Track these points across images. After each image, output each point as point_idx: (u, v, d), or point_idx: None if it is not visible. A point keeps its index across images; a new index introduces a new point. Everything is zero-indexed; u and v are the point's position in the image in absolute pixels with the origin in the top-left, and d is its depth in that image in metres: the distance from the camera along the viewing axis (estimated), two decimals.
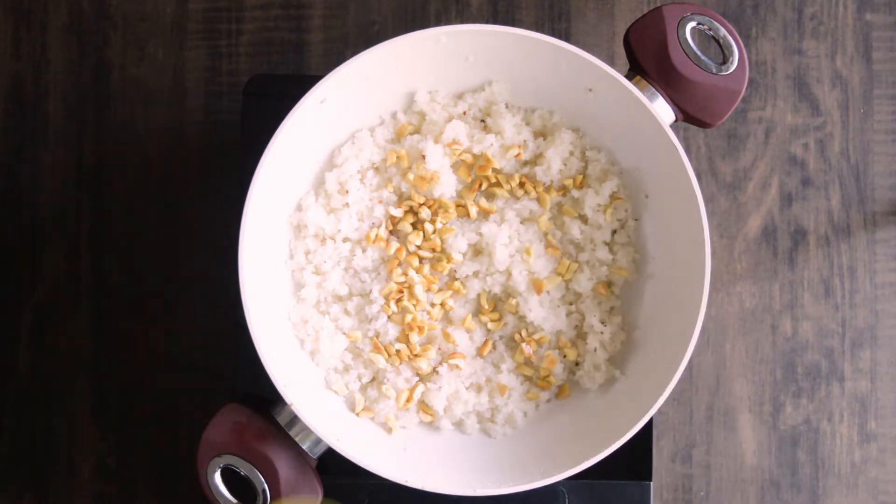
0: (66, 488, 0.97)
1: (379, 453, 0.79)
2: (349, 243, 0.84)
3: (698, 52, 0.80)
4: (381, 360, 0.82)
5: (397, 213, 0.83)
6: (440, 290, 0.84)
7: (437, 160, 0.83)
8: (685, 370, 0.76)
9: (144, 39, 0.99)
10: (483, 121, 0.86)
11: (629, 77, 0.80)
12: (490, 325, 0.84)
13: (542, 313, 0.83)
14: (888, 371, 0.98)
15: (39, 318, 0.97)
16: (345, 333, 0.83)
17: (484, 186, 0.85)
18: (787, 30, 1.00)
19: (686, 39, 0.80)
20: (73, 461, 0.97)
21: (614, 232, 0.85)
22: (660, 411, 0.94)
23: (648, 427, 0.84)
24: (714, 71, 0.80)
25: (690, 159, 0.88)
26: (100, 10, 0.99)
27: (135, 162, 0.98)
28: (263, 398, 0.79)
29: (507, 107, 0.85)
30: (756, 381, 0.98)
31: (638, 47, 0.81)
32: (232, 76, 0.99)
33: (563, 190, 0.85)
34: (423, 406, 0.83)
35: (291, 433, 0.78)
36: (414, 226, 0.84)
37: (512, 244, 0.83)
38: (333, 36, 0.99)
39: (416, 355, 0.82)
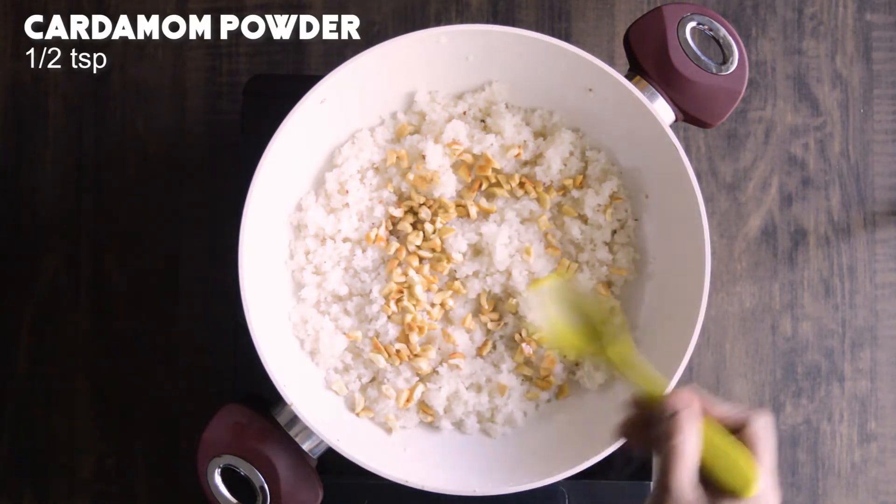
0: (66, 488, 0.97)
1: (379, 453, 0.79)
2: (349, 243, 0.84)
3: (698, 52, 0.80)
4: (381, 360, 0.82)
5: (397, 213, 0.83)
6: (440, 290, 0.84)
7: (437, 160, 0.83)
8: (685, 370, 0.76)
9: (144, 40, 0.99)
10: (483, 121, 0.86)
11: (629, 77, 0.80)
12: (490, 325, 0.84)
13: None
14: (888, 371, 0.98)
15: (39, 318, 0.97)
16: (345, 333, 0.83)
17: (484, 186, 0.85)
18: (787, 30, 1.00)
19: (686, 39, 0.80)
20: (73, 461, 0.97)
21: (614, 232, 0.85)
22: None
23: None
24: (714, 71, 0.80)
25: (690, 159, 0.88)
26: (100, 9, 0.99)
27: (135, 162, 0.98)
28: (263, 398, 0.79)
29: (507, 107, 0.85)
30: (756, 381, 0.98)
31: (638, 47, 0.81)
32: (232, 76, 0.99)
33: (563, 190, 0.85)
34: (423, 406, 0.83)
35: (291, 433, 0.78)
36: (414, 226, 0.84)
37: (512, 244, 0.83)
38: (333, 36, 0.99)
39: (416, 355, 0.82)
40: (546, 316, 0.67)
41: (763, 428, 0.59)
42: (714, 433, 0.59)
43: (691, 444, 0.57)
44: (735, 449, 0.58)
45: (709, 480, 0.58)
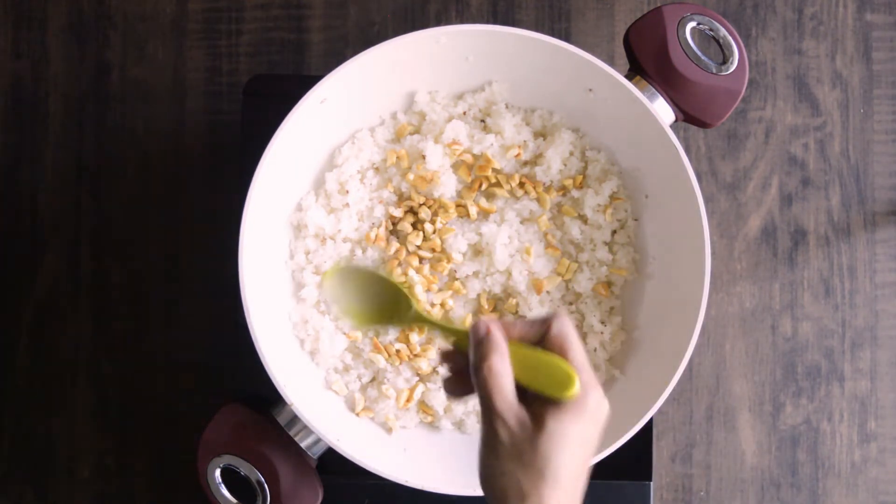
0: (66, 488, 0.97)
1: (379, 453, 0.79)
2: (349, 243, 0.84)
3: (698, 52, 0.80)
4: (381, 360, 0.82)
5: (397, 213, 0.84)
6: (440, 290, 0.84)
7: (437, 160, 0.83)
8: (685, 370, 0.76)
9: (144, 39, 0.99)
10: (483, 121, 0.86)
11: (629, 77, 0.80)
12: None
13: (542, 313, 0.83)
14: (888, 371, 0.98)
15: (39, 318, 0.97)
16: (345, 333, 0.83)
17: (484, 186, 0.85)
18: (787, 30, 1.00)
19: (686, 39, 0.80)
20: (73, 461, 0.97)
21: (614, 232, 0.85)
22: (660, 411, 0.94)
23: (648, 427, 0.84)
24: (714, 71, 0.80)
25: (690, 159, 0.88)
26: (100, 10, 0.99)
27: (135, 162, 0.98)
28: (263, 398, 0.79)
29: (507, 107, 0.85)
30: (756, 381, 0.98)
31: (638, 47, 0.81)
32: (232, 76, 0.99)
33: (563, 190, 0.85)
34: (423, 406, 0.83)
35: (291, 433, 0.78)
36: (414, 226, 0.84)
37: (512, 244, 0.83)
38: (333, 36, 0.99)
39: (416, 355, 0.82)
40: (340, 299, 0.68)
41: (560, 327, 0.59)
42: (521, 349, 0.59)
43: (501, 363, 0.58)
44: (545, 356, 0.59)
45: (533, 396, 0.59)
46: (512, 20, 1.00)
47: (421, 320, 0.66)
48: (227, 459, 0.78)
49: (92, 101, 0.99)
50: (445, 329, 0.64)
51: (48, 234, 0.98)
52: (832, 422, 0.98)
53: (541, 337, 0.60)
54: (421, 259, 0.83)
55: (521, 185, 0.84)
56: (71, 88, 0.99)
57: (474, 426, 0.83)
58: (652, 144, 0.79)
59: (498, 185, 0.84)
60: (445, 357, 0.64)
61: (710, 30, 0.81)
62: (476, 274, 0.84)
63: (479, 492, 0.76)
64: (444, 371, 0.65)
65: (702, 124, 0.82)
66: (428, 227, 0.83)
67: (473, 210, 0.83)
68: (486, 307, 0.84)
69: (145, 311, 0.97)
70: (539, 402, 0.58)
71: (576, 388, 0.57)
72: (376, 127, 0.86)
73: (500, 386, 0.58)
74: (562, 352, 0.59)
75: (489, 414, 0.58)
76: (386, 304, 0.68)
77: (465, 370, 0.61)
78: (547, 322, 0.60)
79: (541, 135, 0.86)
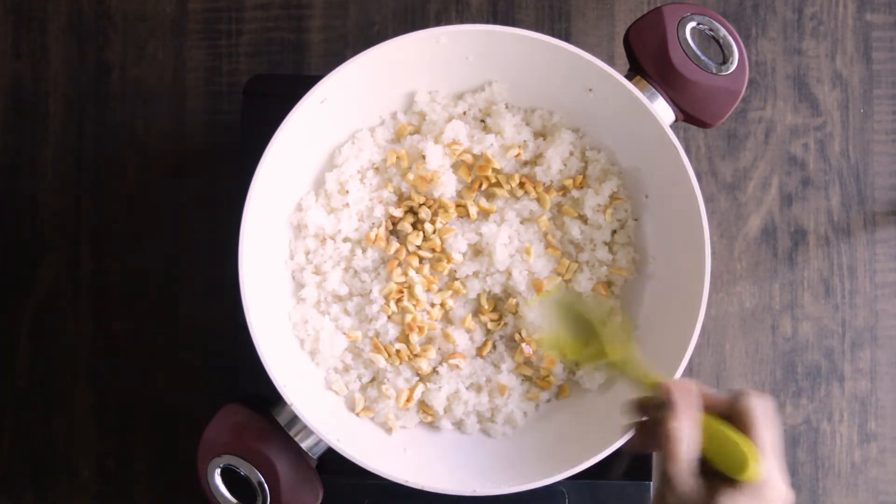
0: (66, 488, 0.97)
1: (379, 453, 0.79)
2: (349, 243, 0.84)
3: (698, 52, 0.80)
4: (381, 360, 0.82)
5: (397, 213, 0.84)
6: (440, 290, 0.84)
7: (437, 160, 0.83)
8: (685, 370, 0.76)
9: (144, 39, 0.99)
10: (483, 121, 0.86)
11: (629, 77, 0.80)
12: (490, 325, 0.84)
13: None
14: (888, 371, 0.98)
15: (39, 318, 0.97)
16: (345, 333, 0.83)
17: (484, 186, 0.85)
18: (787, 30, 1.00)
19: (686, 39, 0.80)
20: (73, 461, 0.97)
21: (614, 232, 0.85)
22: None
23: None
24: (714, 71, 0.80)
25: (690, 159, 0.88)
26: (100, 10, 0.99)
27: (135, 162, 0.98)
28: (263, 398, 0.79)
29: (507, 107, 0.85)
30: (756, 381, 0.98)
31: (638, 47, 0.81)
32: (232, 76, 0.99)
33: (563, 190, 0.85)
34: (423, 406, 0.83)
35: (291, 433, 0.78)
36: (414, 226, 0.84)
37: (512, 244, 0.83)
38: (333, 36, 0.99)
39: (416, 355, 0.82)
40: (549, 323, 0.68)
41: (754, 408, 0.58)
42: (711, 422, 0.58)
43: (688, 429, 0.57)
44: (725, 432, 0.57)
45: (711, 470, 0.58)
46: (512, 20, 1.00)
47: (625, 360, 0.65)
48: (227, 459, 0.78)
49: (92, 101, 0.99)
50: (642, 379, 0.62)
51: (48, 234, 0.98)
52: (832, 422, 0.98)
53: (734, 411, 0.58)
54: (421, 259, 0.83)
55: (521, 185, 0.84)
56: (71, 88, 0.99)
57: (474, 426, 0.83)
58: (652, 144, 0.79)
59: (498, 185, 0.84)
60: (640, 406, 0.62)
61: (710, 30, 0.81)
62: (476, 274, 0.84)
63: (479, 491, 0.76)
64: (633, 419, 0.63)
65: (702, 124, 0.82)
66: (428, 227, 0.83)
67: (473, 210, 0.83)
68: (487, 307, 0.84)
69: (145, 310, 0.97)
70: (718, 476, 0.57)
71: (751, 472, 0.56)
72: (376, 127, 0.86)
73: (678, 452, 0.56)
74: (747, 430, 0.57)
75: (663, 480, 0.57)
76: (592, 333, 0.68)
77: (655, 424, 0.60)
78: (739, 397, 0.59)
79: (541, 135, 0.86)
